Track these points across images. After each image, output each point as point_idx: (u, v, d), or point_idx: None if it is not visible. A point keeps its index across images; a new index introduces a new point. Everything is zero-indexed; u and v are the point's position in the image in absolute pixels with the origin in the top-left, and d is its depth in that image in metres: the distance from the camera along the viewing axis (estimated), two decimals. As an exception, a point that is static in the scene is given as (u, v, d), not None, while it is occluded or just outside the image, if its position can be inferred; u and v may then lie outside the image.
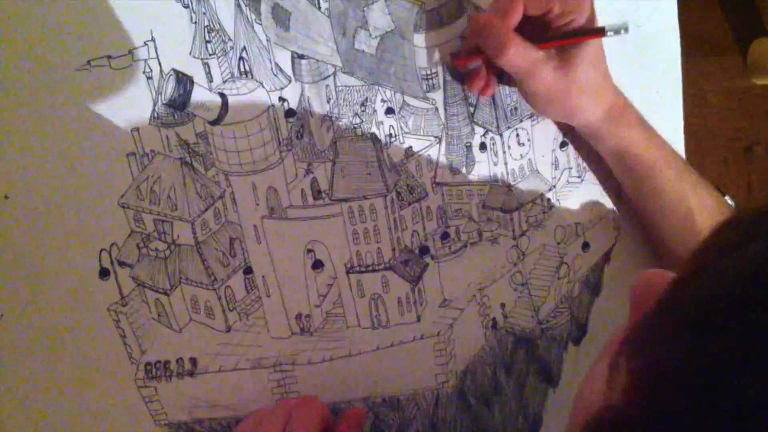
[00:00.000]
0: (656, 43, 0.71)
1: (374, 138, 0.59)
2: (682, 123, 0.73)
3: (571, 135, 0.68)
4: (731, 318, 0.24)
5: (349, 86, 0.58)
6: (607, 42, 0.66)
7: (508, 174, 0.65)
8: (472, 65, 0.60)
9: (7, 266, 0.50)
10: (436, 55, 0.61)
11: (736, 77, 0.79)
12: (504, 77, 0.63)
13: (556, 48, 0.57)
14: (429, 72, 0.61)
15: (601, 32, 0.56)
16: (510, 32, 0.54)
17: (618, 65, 0.68)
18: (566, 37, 0.56)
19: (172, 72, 0.52)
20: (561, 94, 0.58)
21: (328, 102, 0.57)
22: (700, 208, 0.64)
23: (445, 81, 0.62)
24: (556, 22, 0.55)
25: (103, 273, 0.52)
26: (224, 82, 0.54)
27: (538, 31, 0.56)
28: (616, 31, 0.56)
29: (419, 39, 0.60)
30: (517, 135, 0.65)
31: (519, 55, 0.55)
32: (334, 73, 0.57)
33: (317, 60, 0.56)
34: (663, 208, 0.65)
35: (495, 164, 0.65)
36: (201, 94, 0.53)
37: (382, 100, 0.60)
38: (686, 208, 0.64)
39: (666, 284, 0.32)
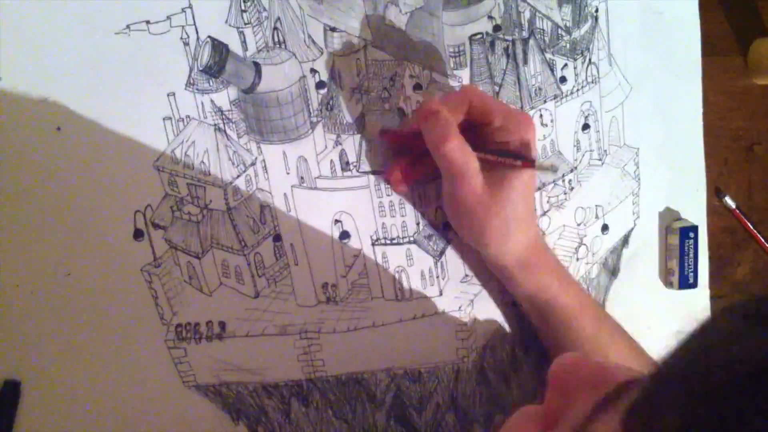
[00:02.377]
0: (678, 28, 0.72)
1: (401, 112, 0.60)
2: (701, 111, 0.74)
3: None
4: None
5: (379, 60, 0.59)
6: (629, 23, 0.68)
7: (530, 153, 0.66)
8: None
9: (49, 215, 0.50)
10: (464, 33, 0.62)
11: (736, 77, 0.80)
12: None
13: (489, 164, 0.55)
14: (456, 50, 0.62)
15: (531, 163, 0.54)
16: (455, 125, 0.53)
17: (640, 49, 0.70)
18: (498, 153, 0.55)
19: (208, 39, 0.53)
20: (482, 212, 0.55)
21: (358, 75, 0.58)
22: (619, 360, 0.59)
23: (471, 59, 0.63)
24: (493, 135, 0.55)
25: (138, 234, 0.53)
26: (258, 51, 0.55)
27: (475, 142, 0.54)
28: (545, 169, 0.58)
29: (447, 17, 0.61)
30: (541, 115, 0.66)
31: (458, 150, 0.53)
32: (365, 47, 0.58)
33: (348, 33, 0.57)
34: None
35: (518, 143, 0.66)
36: (235, 62, 0.54)
37: (411, 76, 0.60)
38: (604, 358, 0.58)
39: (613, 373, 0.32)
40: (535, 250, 0.59)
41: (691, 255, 0.73)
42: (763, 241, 0.82)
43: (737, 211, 0.81)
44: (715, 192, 0.80)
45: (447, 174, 0.55)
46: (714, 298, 0.79)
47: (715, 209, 0.79)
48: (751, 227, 0.82)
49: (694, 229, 0.73)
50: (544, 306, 0.60)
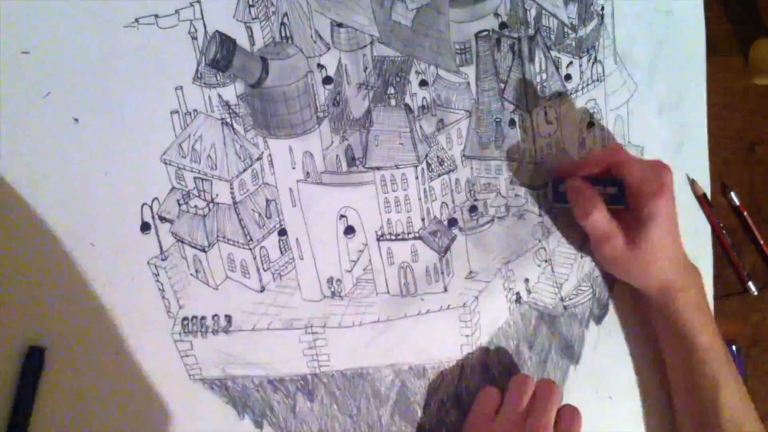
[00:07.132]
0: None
1: (408, 109, 0.60)
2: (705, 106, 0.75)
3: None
4: None
5: (386, 56, 0.59)
6: (635, 22, 0.68)
7: (536, 151, 0.67)
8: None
9: (57, 207, 0.50)
10: (470, 30, 0.62)
11: (737, 77, 0.80)
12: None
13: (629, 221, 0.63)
14: (462, 46, 0.62)
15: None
16: (597, 198, 0.62)
17: (646, 48, 0.70)
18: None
19: (216, 34, 0.53)
20: (627, 262, 0.64)
21: (365, 71, 0.59)
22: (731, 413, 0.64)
23: (477, 56, 0.63)
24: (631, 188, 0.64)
25: (145, 227, 0.53)
26: (266, 46, 0.55)
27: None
28: None
29: (454, 13, 0.61)
30: (546, 113, 0.67)
31: (600, 220, 0.62)
32: (371, 43, 0.58)
33: (355, 29, 0.58)
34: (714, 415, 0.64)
35: (524, 141, 0.66)
36: (243, 57, 0.54)
37: (417, 72, 0.61)
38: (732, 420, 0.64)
39: None
40: (678, 273, 0.65)
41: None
42: (763, 242, 0.82)
43: (742, 207, 0.81)
44: (721, 188, 0.80)
45: (592, 238, 0.65)
46: (716, 298, 0.79)
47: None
48: (753, 227, 0.82)
49: None
50: (683, 342, 0.65)
